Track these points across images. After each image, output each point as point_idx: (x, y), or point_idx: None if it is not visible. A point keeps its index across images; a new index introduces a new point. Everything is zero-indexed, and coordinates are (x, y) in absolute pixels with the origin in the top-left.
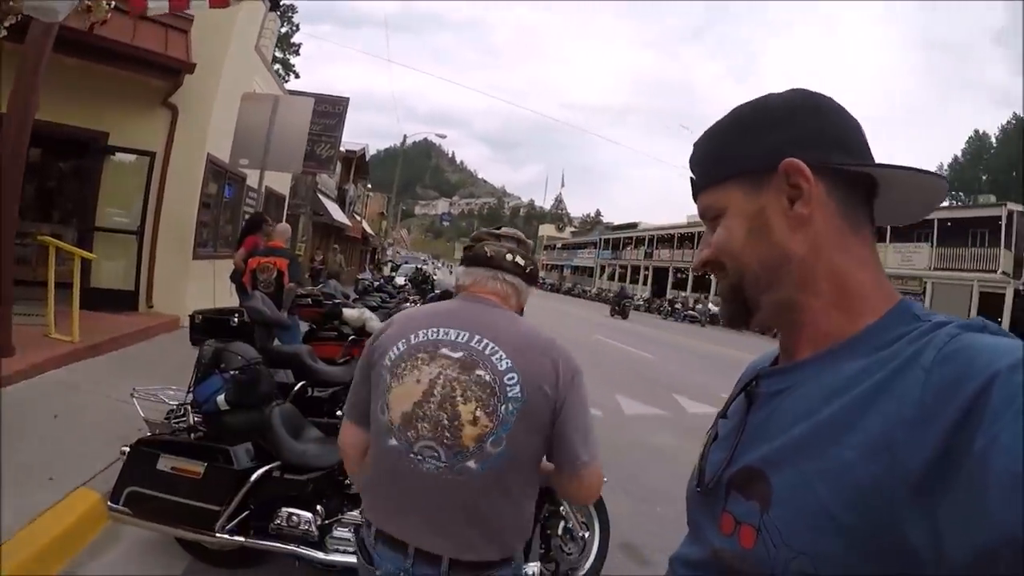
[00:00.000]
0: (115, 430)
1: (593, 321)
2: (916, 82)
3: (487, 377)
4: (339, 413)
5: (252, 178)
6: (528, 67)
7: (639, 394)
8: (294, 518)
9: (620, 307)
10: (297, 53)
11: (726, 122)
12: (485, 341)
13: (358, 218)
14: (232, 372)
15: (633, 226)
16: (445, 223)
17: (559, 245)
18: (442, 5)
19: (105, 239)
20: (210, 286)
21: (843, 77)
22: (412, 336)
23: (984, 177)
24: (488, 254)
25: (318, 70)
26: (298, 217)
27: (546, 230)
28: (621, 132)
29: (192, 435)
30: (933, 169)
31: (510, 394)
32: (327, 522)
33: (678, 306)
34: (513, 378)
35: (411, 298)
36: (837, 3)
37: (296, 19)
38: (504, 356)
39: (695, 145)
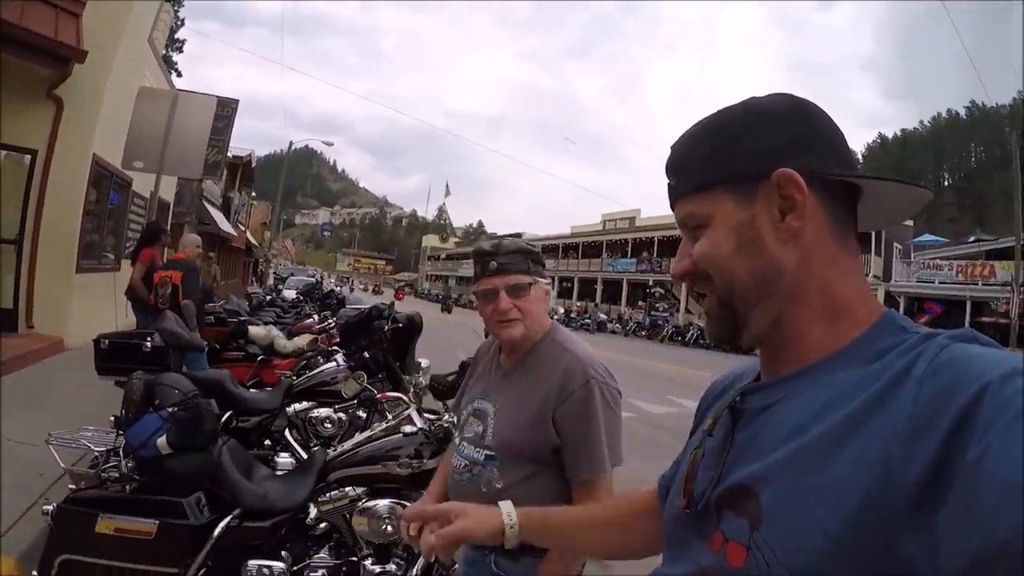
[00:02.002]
0: (11, 478)
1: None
2: None
3: None
4: (267, 443)
5: (138, 183)
6: (411, 74)
7: None
8: (264, 571)
9: (446, 305)
10: (180, 50)
11: (712, 125)
12: None
13: (242, 228)
14: (170, 409)
15: (517, 236)
16: (326, 233)
17: (443, 256)
18: (328, 7)
19: None
20: (96, 303)
21: (720, 97)
22: None
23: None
24: None
25: (199, 69)
26: (182, 226)
27: (430, 241)
28: (502, 142)
29: (127, 486)
30: None
31: None
32: (296, 567)
33: (573, 315)
34: None
35: (313, 314)
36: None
37: (182, 14)
38: None
39: (674, 148)
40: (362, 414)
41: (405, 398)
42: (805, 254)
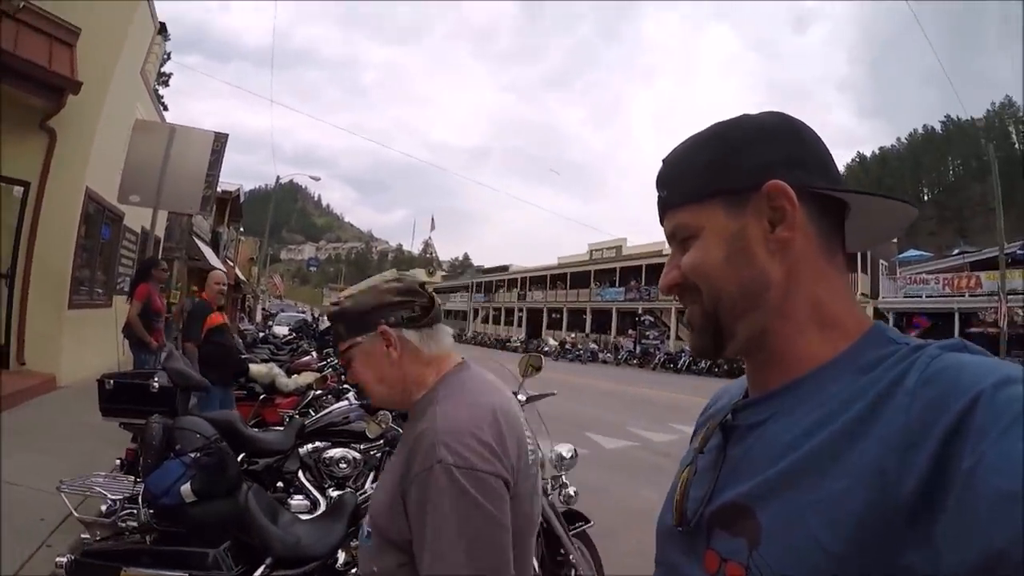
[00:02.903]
0: (10, 522)
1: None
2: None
3: None
4: (280, 485)
5: (129, 217)
6: (393, 107)
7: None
8: None
9: None
10: (167, 83)
11: (704, 139)
12: None
13: (231, 264)
14: (193, 454)
15: (505, 268)
16: (312, 268)
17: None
18: (311, 40)
19: None
20: (88, 341)
21: (699, 122)
22: None
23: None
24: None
25: (183, 103)
26: (172, 261)
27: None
28: (486, 175)
29: (148, 536)
30: None
31: None
32: None
33: (568, 346)
34: None
35: (311, 351)
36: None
37: (168, 46)
38: None
39: (666, 162)
40: (378, 454)
41: None
42: (793, 266)
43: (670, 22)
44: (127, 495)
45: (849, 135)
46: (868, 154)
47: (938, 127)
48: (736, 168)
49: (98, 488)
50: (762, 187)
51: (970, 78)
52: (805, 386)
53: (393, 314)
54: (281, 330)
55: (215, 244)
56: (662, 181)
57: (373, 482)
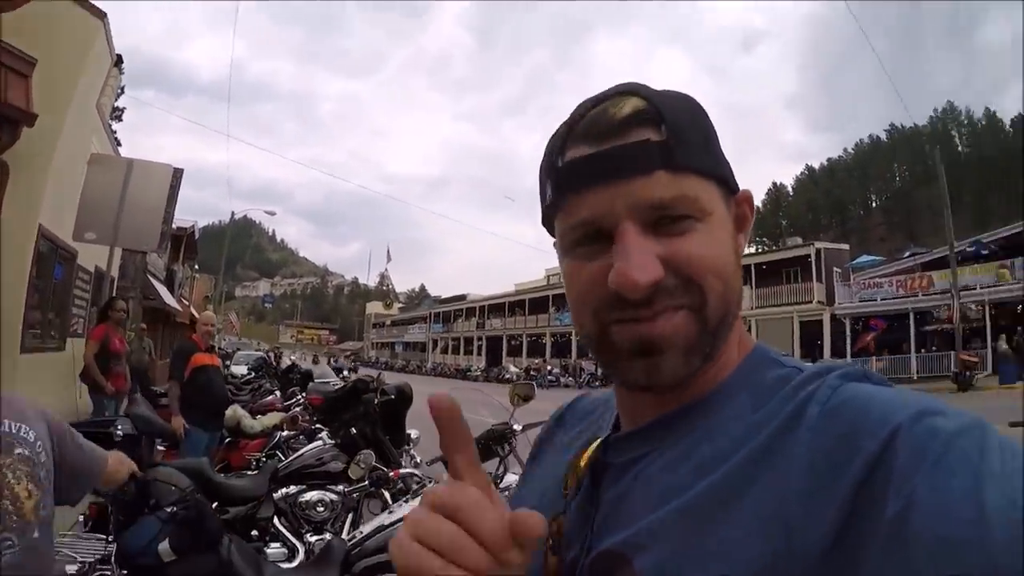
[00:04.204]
0: None
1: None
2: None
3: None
4: (254, 533)
5: (82, 256)
6: (348, 139)
7: None
8: None
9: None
10: (120, 118)
11: (696, 105)
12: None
13: (186, 302)
14: (169, 509)
15: (462, 298)
16: (267, 305)
17: (388, 322)
18: (270, 74)
19: None
20: (42, 386)
21: None
22: None
23: (784, 223)
24: None
25: (136, 138)
26: (127, 301)
27: (373, 307)
28: (442, 204)
29: None
30: None
31: (43, 459)
32: None
33: (533, 372)
34: (40, 444)
35: (275, 391)
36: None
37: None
38: (26, 427)
39: (651, 93)
40: (356, 496)
41: (418, 474)
42: None
43: (622, 46)
44: (98, 556)
45: (800, 150)
46: (817, 167)
47: (883, 136)
48: (724, 157)
49: (65, 550)
50: (739, 192)
51: (913, 87)
52: (691, 417)
53: None
54: (240, 369)
55: (170, 282)
56: (651, 116)
57: (352, 525)
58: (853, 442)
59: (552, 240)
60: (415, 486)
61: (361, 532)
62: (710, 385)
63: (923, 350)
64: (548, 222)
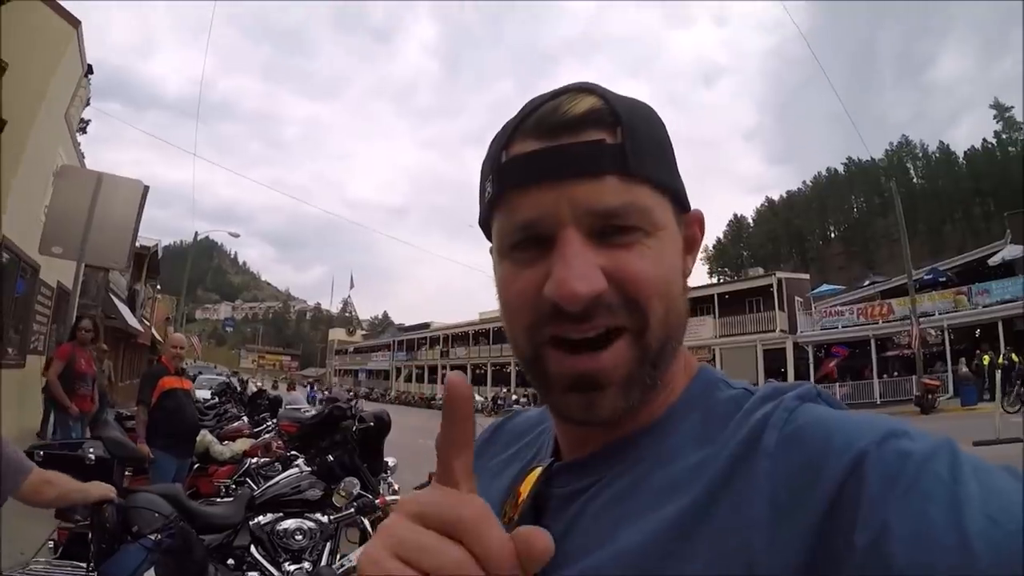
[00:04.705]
0: None
1: (409, 425)
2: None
3: None
4: (230, 563)
5: (45, 271)
6: (314, 163)
7: None
8: None
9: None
10: (84, 131)
11: (651, 111)
12: None
13: (147, 323)
14: (153, 537)
15: (426, 326)
16: (228, 329)
17: (351, 349)
18: (235, 93)
19: None
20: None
21: None
22: None
23: (745, 253)
24: None
25: (99, 152)
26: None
27: (336, 334)
28: (405, 231)
29: None
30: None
31: None
32: None
33: (500, 401)
34: None
35: (242, 416)
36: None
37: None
38: None
39: (605, 92)
40: (333, 524)
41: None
42: None
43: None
44: None
45: (759, 182)
46: (776, 198)
47: (840, 168)
48: (679, 173)
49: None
50: (691, 211)
51: (869, 121)
52: (640, 444)
53: None
54: (203, 393)
55: (132, 302)
56: (605, 117)
57: (331, 554)
58: (816, 469)
59: (488, 246)
60: None
61: (349, 561)
62: (659, 410)
63: (885, 375)
64: (486, 223)
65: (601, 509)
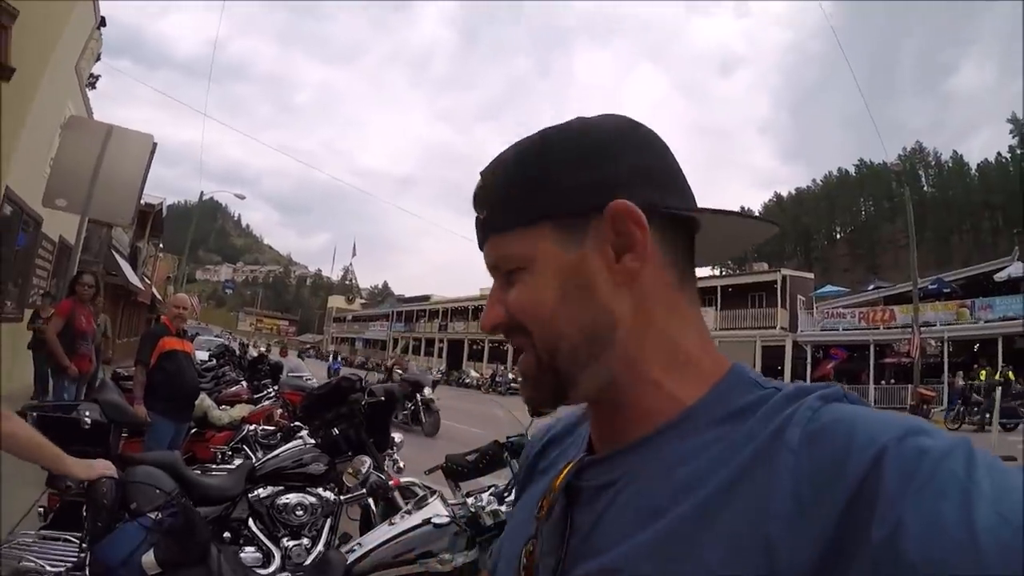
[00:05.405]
0: None
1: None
2: (688, 166)
3: None
4: (227, 536)
5: (48, 224)
6: (324, 129)
7: None
8: None
9: None
10: (94, 85)
11: (529, 147)
12: None
13: (148, 282)
14: (153, 515)
15: (426, 298)
16: (228, 291)
17: (349, 317)
18: (249, 55)
19: None
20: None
21: None
22: None
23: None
24: None
25: (107, 108)
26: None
27: (335, 301)
28: (411, 203)
29: None
30: None
31: None
32: None
33: (499, 379)
34: None
35: (241, 380)
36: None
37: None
38: None
39: (484, 175)
40: (328, 495)
41: (418, 483)
42: (642, 301)
43: (603, 58)
44: (72, 563)
45: (770, 176)
46: (785, 194)
47: (852, 170)
48: (569, 187)
49: (31, 557)
50: (604, 209)
51: (884, 126)
52: (663, 440)
53: None
54: (201, 355)
55: (133, 260)
56: (479, 199)
57: (331, 531)
58: (838, 465)
59: None
60: (420, 495)
61: (360, 545)
62: (682, 406)
63: (882, 382)
64: None
65: (627, 503)
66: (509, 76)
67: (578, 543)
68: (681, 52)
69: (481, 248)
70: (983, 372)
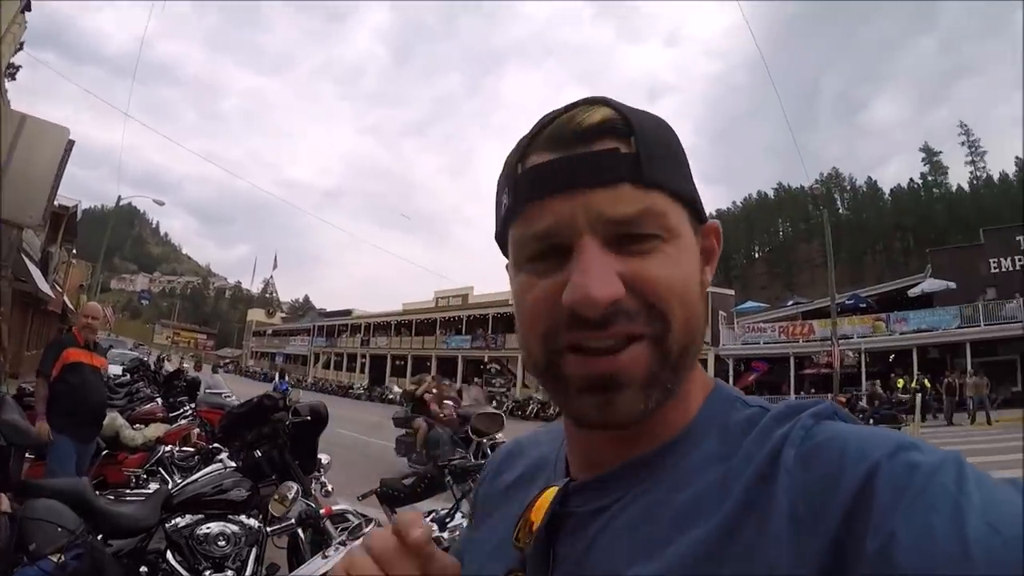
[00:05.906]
0: None
1: (334, 415)
2: None
3: None
4: (143, 570)
5: None
6: (250, 138)
7: None
8: None
9: None
10: (13, 76)
11: (664, 122)
12: None
13: (59, 289)
14: (55, 557)
15: (348, 312)
16: (144, 302)
17: (270, 331)
18: (177, 57)
19: None
20: None
21: None
22: None
23: None
24: None
25: (27, 102)
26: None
27: (255, 315)
28: (335, 216)
29: None
30: None
31: None
32: None
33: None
34: None
35: (156, 397)
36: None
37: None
38: None
39: (620, 108)
40: (252, 523)
41: (351, 510)
42: None
43: (532, 81)
44: None
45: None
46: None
47: (771, 193)
48: (694, 183)
49: None
50: (707, 222)
51: (803, 153)
52: (660, 462)
53: None
54: (114, 369)
55: (44, 265)
56: (619, 129)
57: (256, 561)
58: (832, 482)
59: (505, 263)
60: (354, 523)
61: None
62: (677, 427)
63: (801, 392)
64: (502, 237)
65: (624, 528)
66: (438, 94)
67: (568, 574)
68: (611, 77)
69: (587, 186)
70: (900, 380)
